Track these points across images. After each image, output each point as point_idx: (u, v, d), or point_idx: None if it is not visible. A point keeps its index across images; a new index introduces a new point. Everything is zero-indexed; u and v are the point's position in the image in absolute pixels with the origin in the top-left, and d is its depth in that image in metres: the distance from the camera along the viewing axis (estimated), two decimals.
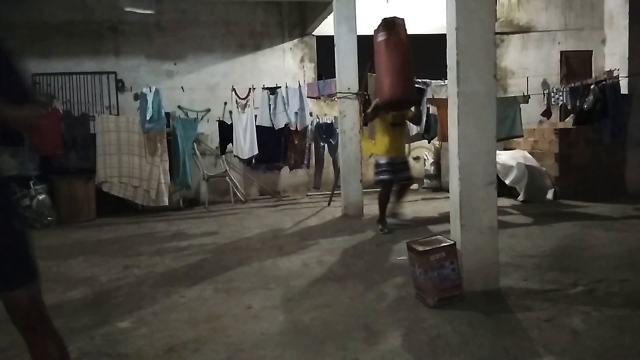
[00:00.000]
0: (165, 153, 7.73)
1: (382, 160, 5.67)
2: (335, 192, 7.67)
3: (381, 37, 5.08)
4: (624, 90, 7.34)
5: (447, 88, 3.80)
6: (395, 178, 5.67)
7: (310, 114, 8.29)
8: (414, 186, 9.42)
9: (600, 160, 7.59)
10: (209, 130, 8.67)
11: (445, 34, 3.56)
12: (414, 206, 7.48)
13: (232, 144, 8.23)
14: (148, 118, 7.40)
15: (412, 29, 8.72)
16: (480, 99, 3.45)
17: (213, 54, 8.79)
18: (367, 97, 6.91)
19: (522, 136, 7.73)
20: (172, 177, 7.84)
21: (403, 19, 5.17)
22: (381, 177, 5.67)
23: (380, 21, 5.15)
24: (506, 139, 7.81)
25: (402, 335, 2.91)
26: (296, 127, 8.17)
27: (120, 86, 8.50)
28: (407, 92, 5.15)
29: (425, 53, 7.67)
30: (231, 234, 6.05)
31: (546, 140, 7.82)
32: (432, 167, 9.15)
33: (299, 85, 8.09)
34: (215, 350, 2.83)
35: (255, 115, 8.14)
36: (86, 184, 7.33)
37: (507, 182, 7.44)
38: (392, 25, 5.06)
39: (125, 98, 8.51)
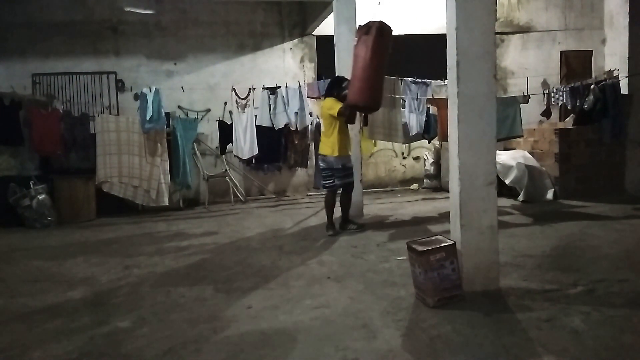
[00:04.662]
0: (165, 153, 7.73)
1: (350, 164, 5.60)
2: None
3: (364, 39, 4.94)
4: (624, 90, 7.34)
5: (447, 88, 3.79)
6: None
7: (310, 114, 8.28)
8: (414, 186, 9.44)
9: (600, 160, 7.60)
10: (209, 130, 8.67)
11: (445, 34, 3.56)
12: (414, 206, 7.49)
13: (232, 144, 8.23)
14: (148, 118, 7.40)
15: (412, 28, 8.83)
16: (480, 99, 3.45)
17: (213, 54, 8.79)
18: None
19: (522, 136, 7.72)
20: (172, 177, 7.83)
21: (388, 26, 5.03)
22: (350, 179, 5.60)
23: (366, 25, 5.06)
24: (506, 139, 7.80)
25: (402, 335, 2.91)
26: (296, 127, 8.17)
27: (120, 86, 8.51)
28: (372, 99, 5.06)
29: (425, 53, 7.69)
30: (231, 234, 6.05)
31: (546, 140, 7.82)
32: (432, 167, 9.15)
33: (299, 85, 8.08)
34: (215, 350, 2.83)
35: (255, 115, 8.13)
36: (86, 184, 7.32)
37: (507, 182, 7.44)
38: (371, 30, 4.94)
39: (125, 98, 8.52)
